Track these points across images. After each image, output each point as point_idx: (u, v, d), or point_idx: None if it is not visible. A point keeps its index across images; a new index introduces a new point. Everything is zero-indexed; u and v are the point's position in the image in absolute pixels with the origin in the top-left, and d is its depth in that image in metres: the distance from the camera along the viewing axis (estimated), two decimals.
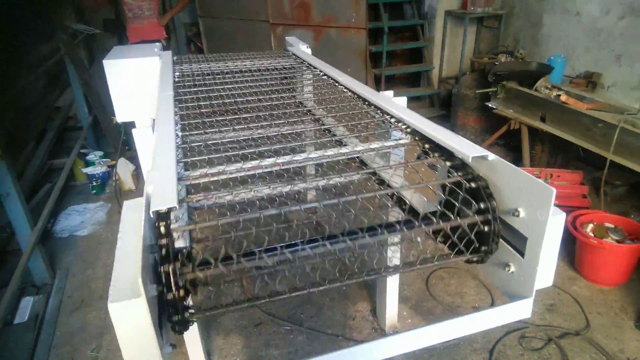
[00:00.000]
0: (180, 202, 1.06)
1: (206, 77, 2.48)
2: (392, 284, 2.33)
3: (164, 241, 0.95)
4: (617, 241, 2.62)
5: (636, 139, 2.81)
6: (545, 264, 1.19)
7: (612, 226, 2.73)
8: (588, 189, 3.31)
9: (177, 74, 2.53)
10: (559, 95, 3.33)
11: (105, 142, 4.77)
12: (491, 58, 4.70)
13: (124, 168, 4.07)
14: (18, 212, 2.56)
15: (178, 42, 6.74)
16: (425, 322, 2.51)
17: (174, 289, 0.94)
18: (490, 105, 4.06)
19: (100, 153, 4.36)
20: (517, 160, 3.97)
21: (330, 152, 1.50)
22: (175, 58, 2.86)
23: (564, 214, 1.17)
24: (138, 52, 2.73)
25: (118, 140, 4.39)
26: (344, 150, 1.54)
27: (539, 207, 1.11)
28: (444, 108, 5.73)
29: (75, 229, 3.52)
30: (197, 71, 2.60)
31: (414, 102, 6.00)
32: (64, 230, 3.49)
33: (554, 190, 1.06)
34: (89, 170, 4.05)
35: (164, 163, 1.26)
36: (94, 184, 4.03)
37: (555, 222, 1.14)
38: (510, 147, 4.38)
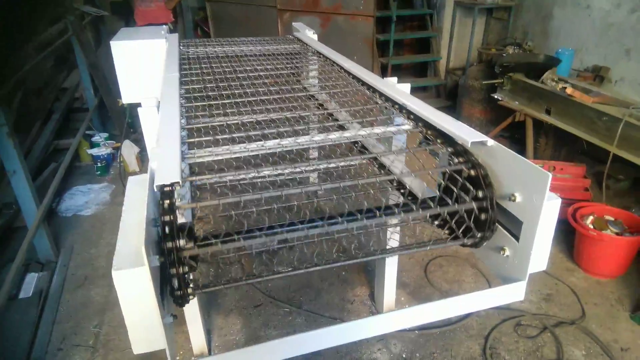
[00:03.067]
0: (183, 179, 1.08)
1: (212, 60, 2.49)
2: (391, 269, 2.35)
3: (167, 217, 0.98)
4: (617, 234, 2.63)
5: None
6: (540, 248, 1.21)
7: (612, 219, 2.74)
8: (590, 182, 3.31)
9: (183, 56, 2.54)
10: (565, 87, 3.32)
11: (111, 124, 4.80)
12: (499, 50, 4.68)
13: (128, 150, 4.10)
14: (24, 189, 2.60)
15: (185, 26, 6.73)
16: None
17: (176, 263, 0.97)
18: (496, 96, 4.05)
19: (106, 135, 4.39)
20: (521, 153, 3.91)
21: (332, 135, 1.52)
22: (182, 41, 2.88)
23: (559, 199, 1.19)
24: (145, 34, 2.74)
25: (123, 123, 4.43)
26: (346, 134, 1.56)
27: (535, 192, 1.13)
28: (450, 99, 5.71)
29: (80, 208, 3.57)
30: (203, 55, 2.62)
31: (421, 92, 5.98)
32: (69, 210, 3.54)
33: (550, 175, 1.07)
34: (94, 151, 4.09)
35: (168, 141, 1.28)
36: (99, 165, 4.07)
37: (551, 207, 1.16)
38: (514, 139, 4.37)
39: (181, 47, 2.70)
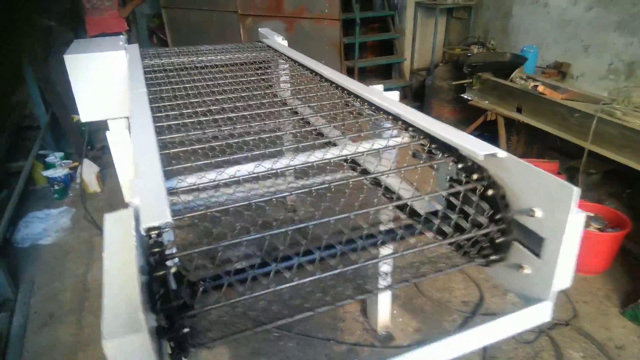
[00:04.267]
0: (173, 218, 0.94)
1: (181, 73, 2.32)
2: (384, 283, 2.26)
3: (160, 272, 0.83)
4: (599, 229, 2.65)
5: (613, 127, 2.85)
6: (565, 265, 1.13)
7: (593, 215, 2.77)
8: (565, 178, 3.36)
9: (147, 69, 2.35)
10: (537, 86, 3.36)
11: (65, 142, 4.47)
12: (463, 49, 4.71)
13: (88, 169, 3.82)
14: None
15: (139, 35, 6.43)
16: (416, 319, 2.47)
17: (176, 324, 0.82)
18: (465, 96, 4.06)
19: (61, 154, 4.08)
20: None
21: (322, 154, 1.40)
22: (141, 51, 2.67)
23: (584, 214, 1.12)
24: (102, 46, 2.52)
25: (81, 141, 4.14)
26: (336, 151, 1.44)
27: (558, 207, 1.06)
28: (416, 100, 5.72)
29: (38, 237, 3.28)
30: (170, 66, 2.43)
31: None
32: (25, 239, 3.24)
33: (576, 190, 1.00)
34: (50, 173, 3.78)
35: (149, 170, 1.12)
36: (56, 187, 3.77)
37: (576, 222, 1.09)
38: (485, 137, 4.40)
39: (142, 59, 2.50)
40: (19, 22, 3.70)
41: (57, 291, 2.74)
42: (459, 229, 1.25)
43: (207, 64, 2.50)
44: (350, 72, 5.32)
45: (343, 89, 1.89)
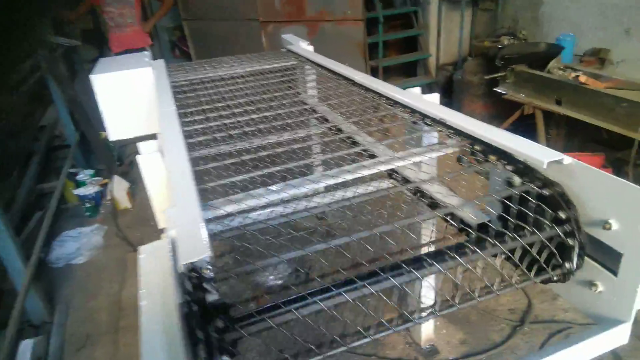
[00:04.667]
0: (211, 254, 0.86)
1: (208, 87, 2.26)
2: (428, 292, 2.14)
3: (203, 322, 0.75)
4: None
5: None
6: None
7: None
8: (612, 171, 3.15)
9: (174, 84, 2.30)
10: (577, 75, 3.16)
11: (95, 159, 4.51)
12: (493, 42, 4.52)
13: (118, 186, 3.83)
14: (9, 249, 2.33)
15: (161, 48, 6.47)
16: (462, 330, 2.34)
17: None
18: (499, 90, 3.88)
19: (91, 171, 4.10)
20: None
21: (359, 165, 1.30)
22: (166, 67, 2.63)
23: None
24: (128, 63, 2.49)
25: (110, 157, 4.16)
26: (376, 162, 1.34)
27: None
28: (444, 96, 5.54)
29: (72, 256, 3.28)
30: (197, 81, 2.38)
31: None
32: (60, 259, 3.25)
33: None
34: (81, 191, 3.80)
35: (184, 198, 1.05)
36: (87, 205, 3.79)
37: None
38: (520, 132, 4.20)
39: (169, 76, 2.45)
40: (37, 43, 3.74)
41: (93, 311, 2.73)
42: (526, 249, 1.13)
43: (233, 75, 2.44)
44: (374, 72, 5.20)
45: (376, 93, 1.79)
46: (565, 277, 1.10)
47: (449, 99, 5.27)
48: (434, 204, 1.47)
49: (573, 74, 3.21)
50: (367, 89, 1.86)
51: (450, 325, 2.38)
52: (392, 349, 2.27)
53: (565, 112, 3.32)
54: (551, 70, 3.43)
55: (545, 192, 1.09)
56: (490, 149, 1.23)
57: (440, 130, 1.44)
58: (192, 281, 0.81)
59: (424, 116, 1.49)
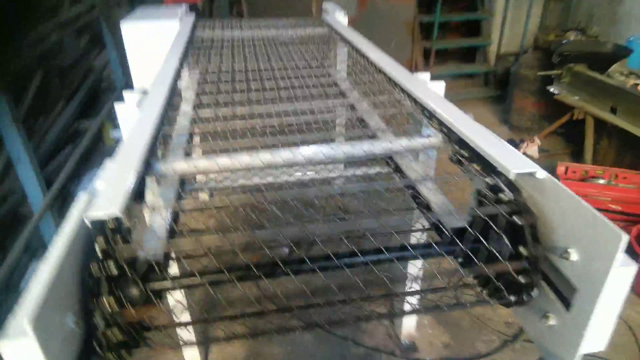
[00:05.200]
0: (126, 210, 0.85)
1: (225, 45, 2.25)
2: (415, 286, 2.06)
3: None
4: None
5: None
6: (599, 325, 0.89)
7: None
8: None
9: (196, 41, 2.30)
10: (638, 84, 2.84)
11: None
12: (558, 35, 4.15)
13: None
14: (29, 177, 2.49)
15: (220, 6, 6.50)
16: (448, 334, 2.25)
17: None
18: (552, 89, 3.58)
19: None
20: (578, 155, 3.51)
21: (364, 146, 1.23)
22: (201, 23, 2.63)
23: (635, 266, 0.86)
24: (160, 15, 2.54)
25: None
26: (372, 146, 1.26)
27: (600, 254, 0.82)
28: (499, 88, 5.21)
29: None
30: (217, 40, 2.37)
31: (466, 80, 5.51)
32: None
33: (625, 236, 0.76)
34: (117, 133, 3.97)
35: (130, 151, 1.05)
36: None
37: (622, 276, 0.84)
38: (570, 138, 3.89)
39: (196, 30, 2.45)
40: None
41: None
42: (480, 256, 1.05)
43: (257, 38, 2.41)
44: (427, 54, 4.96)
45: (386, 76, 1.69)
46: (518, 303, 1.01)
47: (503, 92, 4.95)
48: (415, 197, 1.39)
49: (633, 82, 2.88)
50: (379, 71, 1.76)
51: (437, 326, 2.30)
52: (371, 337, 2.23)
53: (619, 122, 3.01)
54: (612, 74, 3.10)
55: (515, 220, 0.97)
56: (467, 149, 1.13)
57: (430, 122, 1.33)
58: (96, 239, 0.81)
59: (415, 102, 1.39)
